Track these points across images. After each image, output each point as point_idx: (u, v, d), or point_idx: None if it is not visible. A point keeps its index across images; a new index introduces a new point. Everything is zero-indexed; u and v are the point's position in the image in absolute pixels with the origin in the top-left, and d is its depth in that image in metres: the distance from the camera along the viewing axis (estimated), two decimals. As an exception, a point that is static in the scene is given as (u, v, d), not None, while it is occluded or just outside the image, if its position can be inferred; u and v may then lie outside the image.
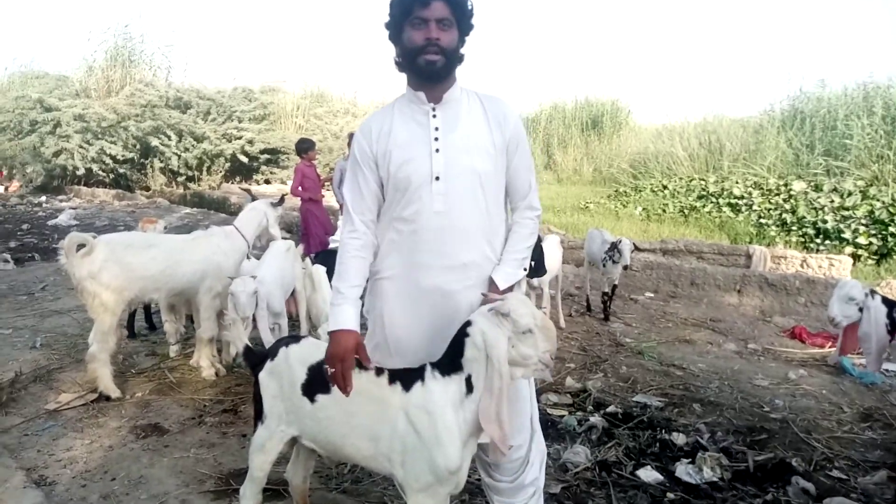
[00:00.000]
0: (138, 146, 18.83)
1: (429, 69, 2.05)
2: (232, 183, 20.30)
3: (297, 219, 11.68)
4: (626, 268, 5.77)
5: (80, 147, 17.67)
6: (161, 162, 19.14)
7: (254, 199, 5.23)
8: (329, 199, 9.95)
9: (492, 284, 2.15)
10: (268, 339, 3.85)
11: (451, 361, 2.00)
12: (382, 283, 2.22)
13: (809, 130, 15.38)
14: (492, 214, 2.18)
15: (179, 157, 19.17)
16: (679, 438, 3.70)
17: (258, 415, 2.39)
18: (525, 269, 2.24)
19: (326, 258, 5.53)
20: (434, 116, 2.11)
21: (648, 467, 3.37)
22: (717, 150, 16.86)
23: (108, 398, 4.11)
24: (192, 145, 19.52)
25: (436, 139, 2.09)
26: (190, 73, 22.83)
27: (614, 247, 5.68)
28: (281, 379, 2.28)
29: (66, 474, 3.23)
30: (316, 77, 29.77)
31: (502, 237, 2.24)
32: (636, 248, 6.11)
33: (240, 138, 20.13)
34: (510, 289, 2.17)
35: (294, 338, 2.43)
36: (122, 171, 18.91)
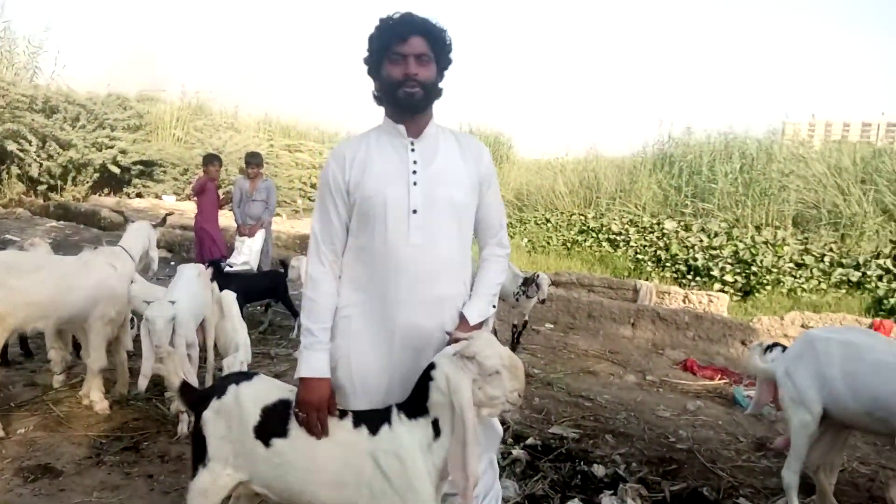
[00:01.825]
0: (-8, 150, 17.11)
1: (408, 101, 2.05)
2: (100, 195, 18.93)
3: (181, 238, 11.10)
4: (542, 301, 5.92)
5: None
6: (19, 169, 17.48)
7: (126, 220, 5.02)
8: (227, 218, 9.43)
9: (462, 320, 2.12)
10: (187, 370, 3.58)
11: (416, 404, 1.96)
12: (350, 321, 2.13)
13: (677, 173, 16.63)
14: (465, 248, 2.19)
15: (41, 164, 17.61)
16: (599, 470, 3.81)
17: (199, 457, 2.20)
18: (494, 306, 2.24)
19: (226, 282, 5.29)
20: (413, 150, 2.11)
21: (575, 500, 3.44)
22: (594, 187, 17.82)
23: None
24: (57, 153, 18.00)
25: (413, 172, 2.08)
26: (60, 76, 20.96)
27: (531, 281, 5.80)
28: (230, 419, 2.12)
29: (-55, 527, 2.83)
30: (195, 88, 28.53)
31: (470, 273, 2.24)
32: (552, 283, 6.31)
33: (111, 148, 18.85)
34: (479, 325, 2.16)
35: (245, 374, 2.28)
36: (-32, 177, 17.10)
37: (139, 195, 19.31)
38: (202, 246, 7.61)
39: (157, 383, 3.99)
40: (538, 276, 5.83)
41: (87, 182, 18.94)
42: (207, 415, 2.16)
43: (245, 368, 4.29)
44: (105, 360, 4.26)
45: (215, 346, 4.58)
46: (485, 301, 2.18)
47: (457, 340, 1.98)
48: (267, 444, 2.04)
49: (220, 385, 2.23)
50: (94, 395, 4.21)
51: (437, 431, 1.92)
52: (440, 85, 2.14)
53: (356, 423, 2.00)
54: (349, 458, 1.96)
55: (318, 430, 1.97)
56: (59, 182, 18.45)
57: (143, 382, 3.76)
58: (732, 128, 17.80)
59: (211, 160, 7.84)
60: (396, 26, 2.04)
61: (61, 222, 13.17)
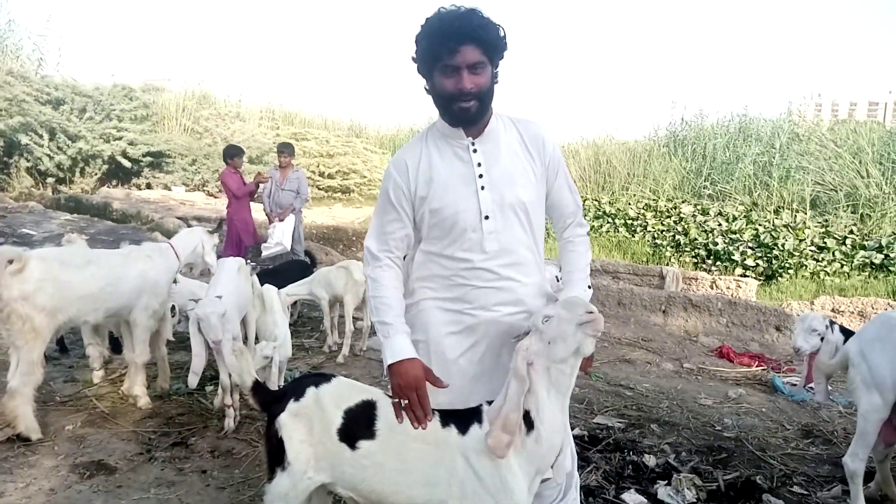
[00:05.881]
0: (1, 143, 17.02)
1: (463, 116, 1.99)
2: (108, 186, 18.85)
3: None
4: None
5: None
6: (28, 162, 17.40)
7: (188, 225, 5.28)
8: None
9: None
10: (231, 364, 3.55)
11: None
12: (428, 313, 2.13)
13: (691, 157, 16.51)
14: (538, 242, 2.17)
15: (51, 157, 17.52)
16: (650, 460, 3.78)
17: (276, 459, 2.15)
18: (590, 287, 2.19)
19: (261, 277, 5.27)
20: (475, 151, 2.05)
21: (632, 490, 3.41)
22: (607, 171, 17.70)
23: (28, 439, 3.61)
24: (67, 145, 17.91)
25: (480, 176, 2.03)
26: (64, 67, 20.78)
27: None
28: (310, 422, 2.06)
29: (9, 526, 2.81)
30: (198, 77, 28.41)
31: (543, 264, 2.21)
32: None
33: (120, 139, 18.75)
34: None
35: (322, 376, 2.22)
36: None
37: (148, 186, 19.25)
38: (230, 231, 7.57)
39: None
40: None
41: (96, 174, 18.87)
42: (284, 417, 2.10)
43: (285, 360, 4.28)
44: (149, 354, 4.27)
45: (256, 340, 4.55)
46: (581, 287, 2.13)
47: None
48: (353, 446, 2.00)
49: (297, 387, 2.17)
50: (138, 390, 4.20)
51: (529, 425, 1.89)
52: (496, 73, 2.04)
53: (444, 423, 1.97)
54: (439, 455, 1.94)
55: (420, 411, 1.90)
56: (67, 175, 18.39)
57: (193, 380, 3.73)
58: (747, 109, 17.69)
59: (232, 154, 7.82)
60: (446, 37, 1.89)
61: (74, 215, 13.13)
